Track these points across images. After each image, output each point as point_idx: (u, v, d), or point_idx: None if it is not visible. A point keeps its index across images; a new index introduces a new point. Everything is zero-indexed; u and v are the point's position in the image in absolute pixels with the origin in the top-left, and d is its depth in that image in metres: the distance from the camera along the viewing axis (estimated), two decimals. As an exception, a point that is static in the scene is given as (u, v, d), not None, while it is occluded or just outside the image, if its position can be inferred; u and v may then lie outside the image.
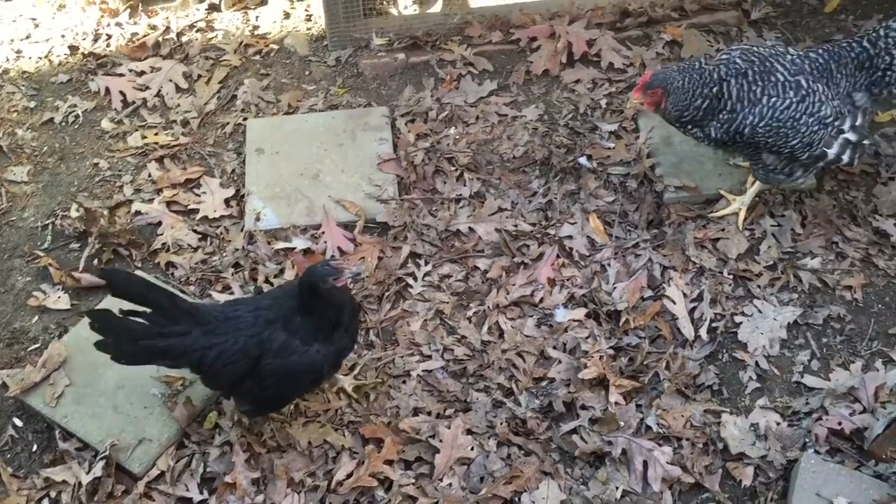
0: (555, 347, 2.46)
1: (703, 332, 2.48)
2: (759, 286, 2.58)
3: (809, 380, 2.39)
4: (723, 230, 2.70)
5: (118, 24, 3.40)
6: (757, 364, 2.43)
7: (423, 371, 2.42)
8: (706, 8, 3.28)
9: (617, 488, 2.18)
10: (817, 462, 2.15)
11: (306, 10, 3.47)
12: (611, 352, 2.44)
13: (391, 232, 2.73)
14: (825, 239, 2.67)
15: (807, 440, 2.25)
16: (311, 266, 2.15)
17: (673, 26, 3.23)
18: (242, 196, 2.83)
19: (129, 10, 3.43)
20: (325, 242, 2.68)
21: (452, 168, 2.89)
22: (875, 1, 3.32)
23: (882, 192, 2.77)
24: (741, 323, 2.51)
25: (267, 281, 2.58)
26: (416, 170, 2.87)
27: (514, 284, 2.58)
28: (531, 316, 2.53)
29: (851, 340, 2.47)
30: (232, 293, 2.57)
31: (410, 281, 2.61)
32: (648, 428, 2.29)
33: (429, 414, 2.32)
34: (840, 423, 2.26)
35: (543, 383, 2.40)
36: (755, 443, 2.26)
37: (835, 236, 2.67)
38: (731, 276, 2.60)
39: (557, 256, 2.65)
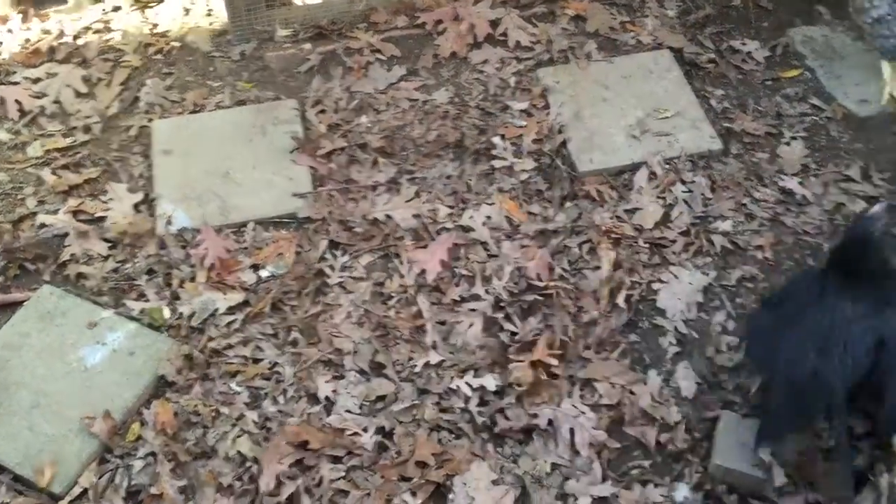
0: (482, 329, 2.47)
1: (622, 301, 2.52)
2: (674, 252, 2.63)
3: (728, 339, 2.44)
4: (638, 200, 2.74)
5: (9, 31, 3.27)
6: (676, 329, 2.47)
7: (349, 365, 2.40)
8: (608, -19, 3.32)
9: (546, 461, 2.20)
10: (737, 419, 2.20)
11: (206, 4, 3.39)
12: (537, 327, 2.46)
13: (308, 226, 2.70)
14: (734, 202, 2.74)
15: (727, 399, 2.31)
16: (855, 225, 2.02)
17: (576, 1, 3.26)
18: (152, 200, 2.75)
19: (20, 16, 3.30)
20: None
21: (366, 156, 2.87)
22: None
23: (785, 152, 2.85)
24: (659, 290, 2.55)
25: (182, 285, 2.53)
26: (329, 161, 2.84)
27: (433, 271, 2.58)
28: (454, 301, 2.53)
29: (765, 298, 2.54)
30: (147, 300, 2.51)
31: (330, 273, 2.58)
32: (576, 397, 2.32)
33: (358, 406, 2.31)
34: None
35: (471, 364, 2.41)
36: (678, 406, 2.31)
37: (743, 198, 2.74)
38: (647, 245, 2.65)
39: (474, 242, 2.65)
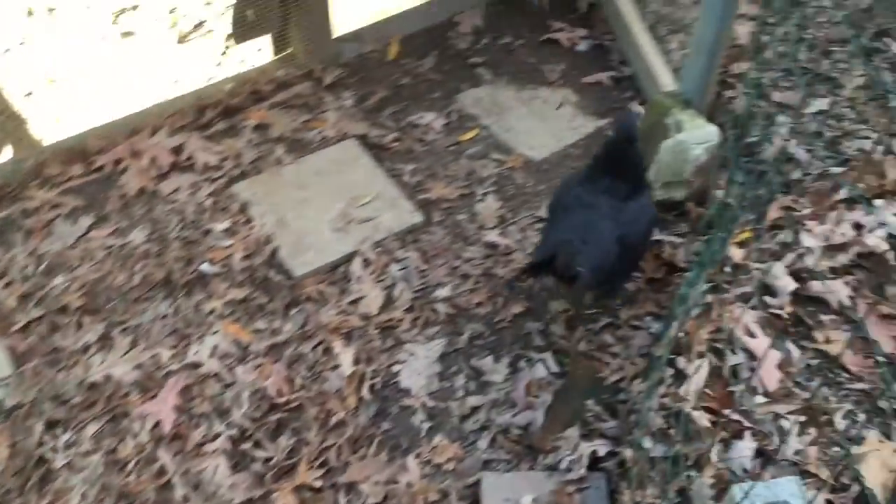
0: (232, 465, 2.36)
1: (367, 393, 2.53)
2: (404, 331, 2.68)
3: (472, 400, 2.52)
4: (358, 289, 2.78)
5: None
6: (424, 404, 2.52)
7: (94, 550, 2.19)
8: (281, 85, 3.37)
9: (326, 584, 2.13)
10: (496, 477, 2.27)
11: None
12: (289, 445, 2.40)
13: (17, 412, 2.46)
14: (447, 267, 2.85)
15: (484, 457, 2.37)
16: (619, 122, 2.39)
17: (255, 110, 3.28)
18: None
19: None
20: (-60, 452, 2.34)
21: (69, 319, 2.68)
22: (425, 42, 3.63)
23: (482, 209, 3.02)
24: (399, 371, 2.59)
25: None
26: (27, 335, 2.62)
27: (168, 420, 2.44)
28: (197, 445, 2.41)
29: (496, 350, 2.65)
30: None
31: (53, 456, 2.36)
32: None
33: None
34: (507, 430, 2.42)
35: (229, 507, 2.29)
36: (442, 481, 2.34)
37: (455, 261, 2.87)
38: (378, 331, 2.68)
39: (205, 377, 2.55)
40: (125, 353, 2.59)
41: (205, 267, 2.82)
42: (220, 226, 2.94)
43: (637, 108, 2.52)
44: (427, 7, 3.76)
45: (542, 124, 3.31)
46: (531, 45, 3.63)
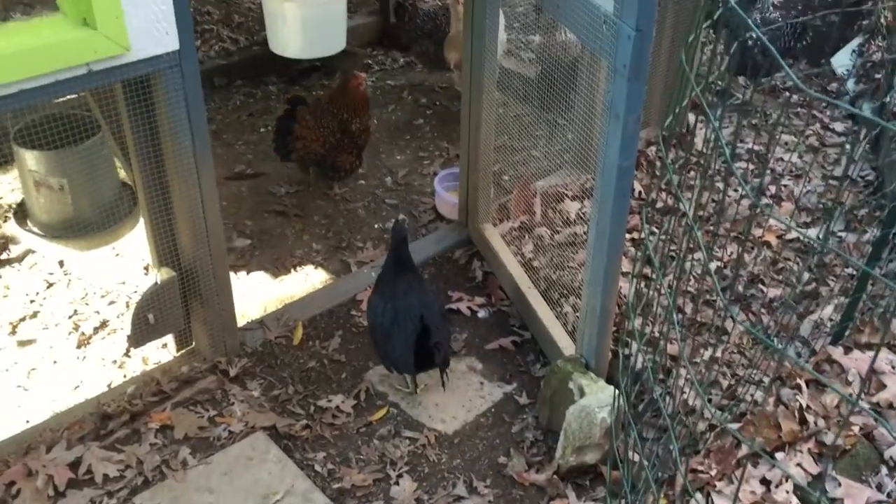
0: None
1: None
2: None
3: None
4: None
5: None
6: None
7: None
8: (185, 382, 3.34)
9: None
10: None
11: None
12: None
13: None
14: (366, 562, 2.73)
15: None
16: (396, 229, 3.24)
17: (158, 412, 3.21)
18: None
19: None
20: None
21: None
22: (329, 323, 3.71)
23: (397, 493, 2.94)
24: None
25: None
26: None
27: None
28: None
29: None
30: None
31: None
32: None
33: None
34: None
35: None
36: None
37: (373, 556, 2.75)
38: None
39: None
40: None
41: None
42: (123, 544, 2.76)
43: (401, 217, 3.40)
44: (329, 289, 3.89)
45: (451, 396, 3.34)
46: (433, 317, 3.74)
